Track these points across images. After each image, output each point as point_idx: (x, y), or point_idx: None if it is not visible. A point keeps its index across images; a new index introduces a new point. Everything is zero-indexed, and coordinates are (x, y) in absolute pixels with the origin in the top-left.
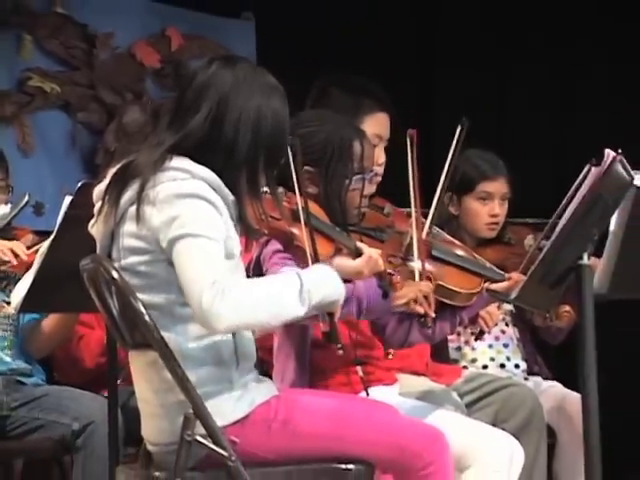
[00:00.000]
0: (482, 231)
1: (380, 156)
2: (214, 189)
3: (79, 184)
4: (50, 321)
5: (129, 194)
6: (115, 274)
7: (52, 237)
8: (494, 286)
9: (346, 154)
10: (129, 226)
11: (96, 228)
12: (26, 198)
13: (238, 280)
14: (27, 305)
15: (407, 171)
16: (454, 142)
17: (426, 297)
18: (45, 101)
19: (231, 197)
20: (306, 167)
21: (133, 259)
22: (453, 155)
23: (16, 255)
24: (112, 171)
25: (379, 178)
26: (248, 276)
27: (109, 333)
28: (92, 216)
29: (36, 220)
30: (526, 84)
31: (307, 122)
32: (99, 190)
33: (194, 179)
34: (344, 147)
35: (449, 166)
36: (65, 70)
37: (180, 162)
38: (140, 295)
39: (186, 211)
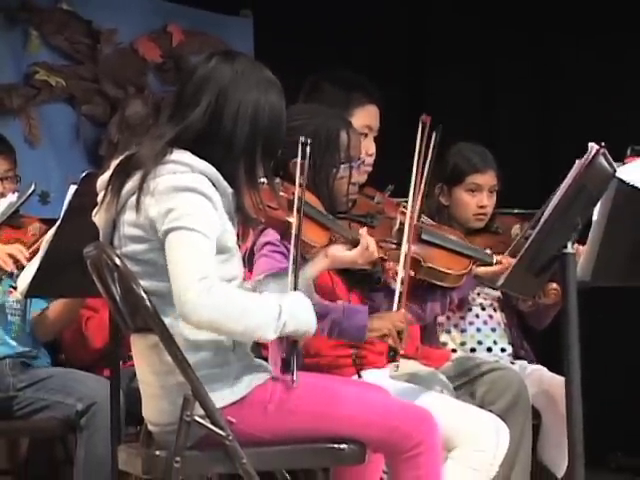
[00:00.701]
0: (471, 221)
1: (370, 147)
2: (212, 182)
3: (83, 174)
4: (55, 307)
5: (130, 185)
6: (117, 261)
7: (57, 225)
8: (483, 270)
9: (333, 144)
10: (129, 215)
11: (99, 217)
12: (32, 187)
13: (227, 286)
14: (33, 290)
15: (414, 155)
16: (431, 147)
17: (399, 332)
18: (51, 94)
19: (229, 190)
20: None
21: (133, 247)
22: (430, 159)
23: (16, 261)
24: (115, 162)
25: (369, 168)
26: (244, 265)
27: (112, 317)
28: (95, 205)
29: (42, 208)
30: (514, 80)
31: (296, 115)
32: (102, 180)
33: (193, 172)
34: (331, 137)
35: (429, 168)
36: (70, 64)
37: (180, 155)
38: (141, 282)
39: (182, 204)
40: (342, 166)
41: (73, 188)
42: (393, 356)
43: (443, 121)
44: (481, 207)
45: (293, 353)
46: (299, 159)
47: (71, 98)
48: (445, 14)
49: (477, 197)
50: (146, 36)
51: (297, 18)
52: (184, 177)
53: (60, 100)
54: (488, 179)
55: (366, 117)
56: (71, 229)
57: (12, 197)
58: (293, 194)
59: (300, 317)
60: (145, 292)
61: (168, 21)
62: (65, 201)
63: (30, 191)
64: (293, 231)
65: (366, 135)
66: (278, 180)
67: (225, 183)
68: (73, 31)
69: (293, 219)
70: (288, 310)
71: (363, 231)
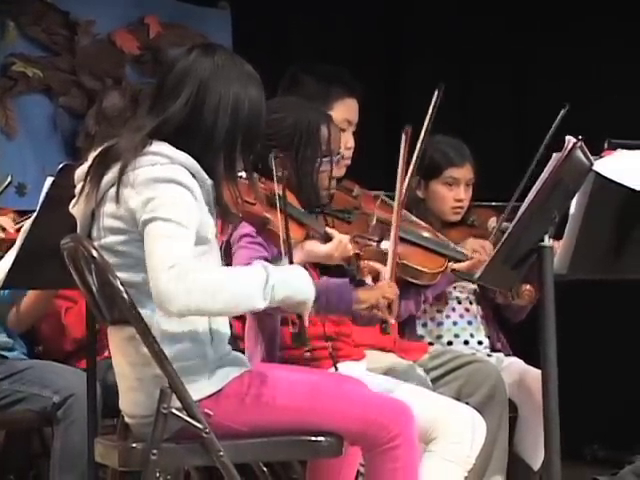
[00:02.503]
0: (447, 214)
1: (349, 140)
2: (192, 174)
3: (60, 166)
4: (28, 298)
5: (110, 176)
6: (94, 253)
7: (34, 217)
8: (457, 266)
9: (314, 138)
10: (109, 207)
11: (77, 208)
12: (9, 179)
13: (201, 265)
14: (9, 282)
15: (397, 164)
16: (431, 105)
17: (389, 304)
18: (28, 86)
19: (209, 182)
20: (281, 154)
21: (112, 238)
22: (430, 119)
23: (4, 229)
24: (94, 154)
25: (348, 162)
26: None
27: (88, 309)
28: (73, 196)
29: (19, 200)
30: (489, 70)
31: (276, 109)
32: (81, 171)
33: (173, 164)
34: (312, 131)
35: (425, 130)
36: (47, 56)
37: (160, 147)
38: (118, 273)
39: (161, 195)
40: (324, 160)
41: (50, 180)
42: (385, 329)
43: (418, 113)
44: (458, 200)
45: (302, 326)
46: (274, 173)
47: (48, 90)
48: (420, 4)
49: (454, 191)
50: (124, 28)
51: (275, 9)
52: (164, 168)
53: (37, 91)
54: (465, 173)
55: (346, 111)
56: (48, 221)
57: None
58: (271, 191)
59: (293, 283)
60: (122, 284)
61: (146, 13)
62: (42, 193)
63: (7, 183)
64: (281, 235)
65: (345, 129)
66: (256, 175)
67: (205, 175)
68: (50, 22)
69: (270, 215)
70: (277, 276)
71: (332, 230)
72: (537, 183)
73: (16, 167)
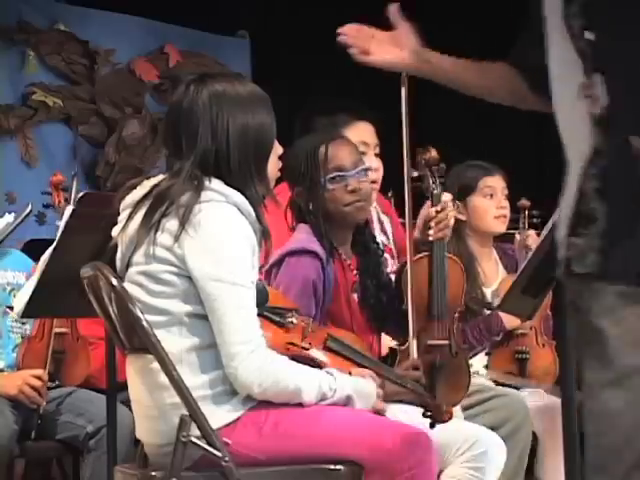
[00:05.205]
0: (493, 226)
1: (371, 161)
2: (244, 215)
3: (80, 195)
4: None
5: (168, 209)
6: (114, 281)
7: (54, 245)
8: None
9: (312, 162)
10: (164, 238)
11: (123, 234)
12: (29, 208)
13: (276, 359)
14: (30, 311)
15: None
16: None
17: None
18: (48, 115)
19: (258, 225)
20: (297, 188)
21: (159, 267)
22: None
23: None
24: (147, 184)
25: (376, 186)
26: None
27: (108, 337)
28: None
29: (39, 228)
30: None
31: (292, 157)
32: (131, 200)
33: (228, 203)
34: (310, 156)
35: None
36: (67, 85)
37: (217, 184)
38: (156, 300)
39: (223, 247)
40: (333, 177)
41: (70, 208)
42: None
43: (439, 140)
44: (500, 208)
45: None
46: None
47: (68, 118)
48: (437, 24)
49: (494, 199)
50: (143, 57)
51: (293, 38)
52: (220, 208)
53: (57, 120)
54: (499, 181)
55: (356, 133)
56: (68, 249)
57: (9, 217)
58: (327, 334)
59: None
60: (156, 310)
61: (165, 42)
62: (62, 222)
63: (27, 211)
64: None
65: (364, 152)
66: (309, 320)
67: (254, 217)
68: (70, 52)
69: (324, 358)
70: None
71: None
72: (556, 211)
73: (36, 195)
